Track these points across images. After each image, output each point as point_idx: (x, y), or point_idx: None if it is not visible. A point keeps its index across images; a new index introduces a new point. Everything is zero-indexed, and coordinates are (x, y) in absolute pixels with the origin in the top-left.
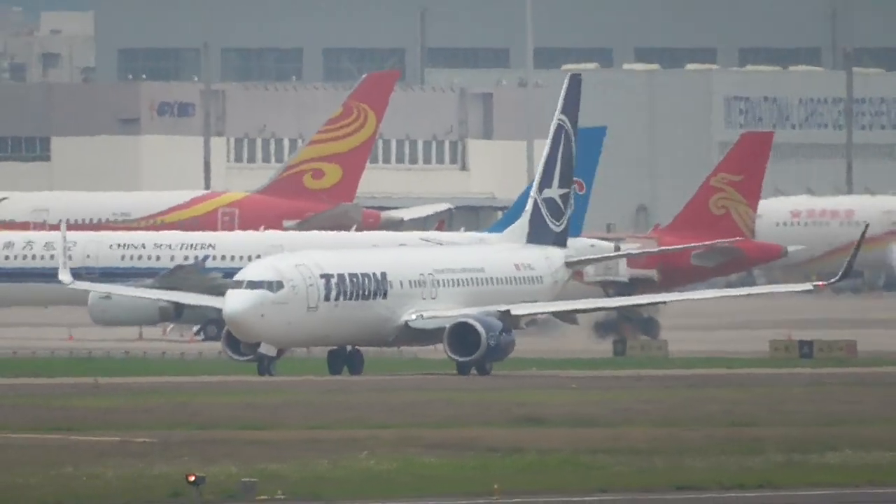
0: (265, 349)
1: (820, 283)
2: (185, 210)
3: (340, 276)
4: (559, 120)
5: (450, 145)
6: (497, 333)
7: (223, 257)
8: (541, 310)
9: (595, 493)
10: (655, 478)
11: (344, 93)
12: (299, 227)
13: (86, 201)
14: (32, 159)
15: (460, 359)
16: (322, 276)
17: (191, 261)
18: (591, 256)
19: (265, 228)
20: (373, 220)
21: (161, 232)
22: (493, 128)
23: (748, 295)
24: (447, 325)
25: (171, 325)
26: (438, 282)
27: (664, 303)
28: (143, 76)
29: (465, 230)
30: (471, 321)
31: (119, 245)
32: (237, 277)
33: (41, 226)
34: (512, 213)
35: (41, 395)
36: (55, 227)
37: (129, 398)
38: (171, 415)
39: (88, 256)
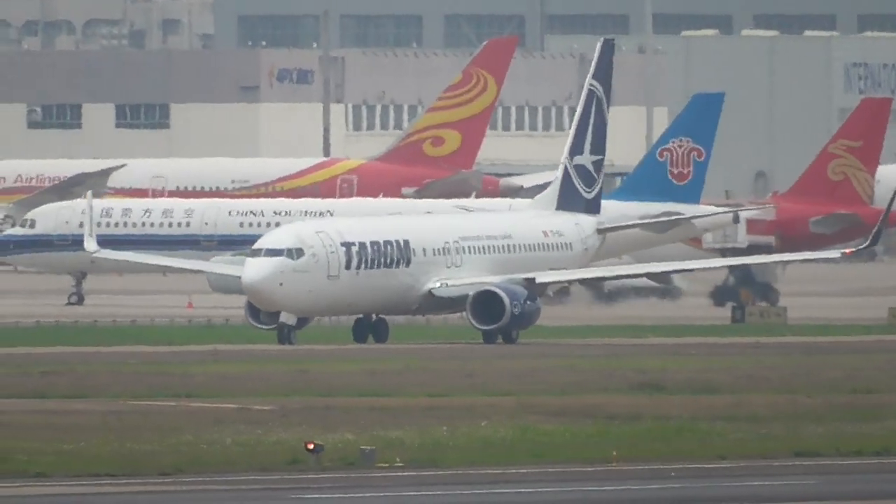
0: (285, 318)
1: (847, 250)
2: (303, 177)
3: (362, 244)
4: (591, 85)
5: (569, 111)
6: (521, 301)
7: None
8: (567, 277)
9: (713, 460)
10: (774, 444)
11: (464, 59)
12: (418, 195)
13: (204, 168)
14: (151, 126)
15: (484, 327)
16: (343, 243)
17: None
18: (625, 223)
19: (384, 196)
20: (492, 187)
21: (280, 199)
22: (611, 94)
23: (780, 262)
24: (471, 293)
25: None
26: (464, 249)
27: (692, 270)
28: (263, 43)
29: None
30: (494, 289)
31: (238, 212)
32: (256, 245)
33: (160, 193)
34: (632, 180)
35: (161, 363)
36: (174, 194)
37: (247, 365)
38: (290, 382)
39: (206, 224)
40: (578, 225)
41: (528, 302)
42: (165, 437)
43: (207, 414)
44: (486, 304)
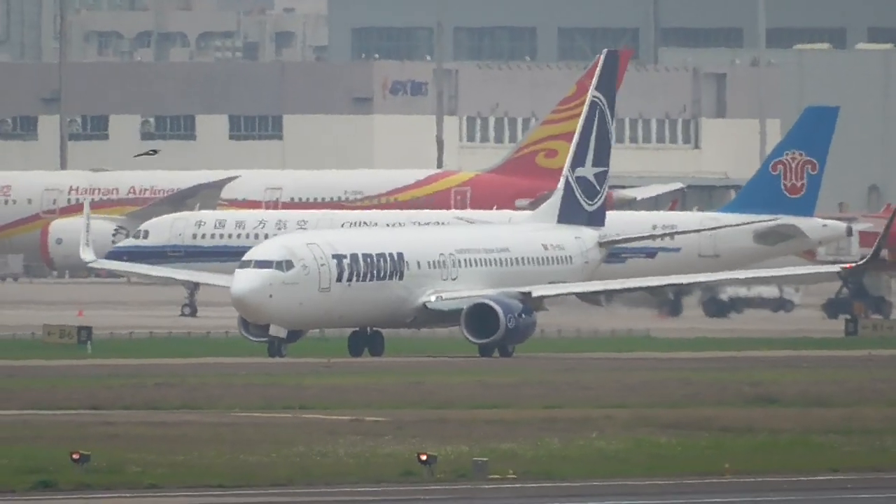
0: (275, 331)
1: (848, 264)
2: (417, 189)
3: (354, 257)
4: (594, 97)
5: (683, 124)
6: (516, 315)
7: None
8: (564, 291)
9: (826, 473)
10: (887, 458)
11: (577, 72)
12: (532, 207)
13: (318, 180)
14: (265, 138)
15: (479, 341)
16: (334, 255)
17: None
18: (626, 236)
19: (497, 208)
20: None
21: (394, 211)
22: (725, 107)
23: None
24: (465, 307)
25: None
26: (459, 262)
27: (688, 284)
28: (376, 55)
29: (698, 210)
30: (489, 302)
31: (352, 224)
32: (245, 257)
33: (273, 204)
34: (745, 193)
35: (274, 374)
36: (287, 206)
37: (361, 377)
38: (404, 394)
39: None
40: (580, 238)
41: (524, 315)
42: (278, 448)
43: (321, 425)
44: (480, 317)
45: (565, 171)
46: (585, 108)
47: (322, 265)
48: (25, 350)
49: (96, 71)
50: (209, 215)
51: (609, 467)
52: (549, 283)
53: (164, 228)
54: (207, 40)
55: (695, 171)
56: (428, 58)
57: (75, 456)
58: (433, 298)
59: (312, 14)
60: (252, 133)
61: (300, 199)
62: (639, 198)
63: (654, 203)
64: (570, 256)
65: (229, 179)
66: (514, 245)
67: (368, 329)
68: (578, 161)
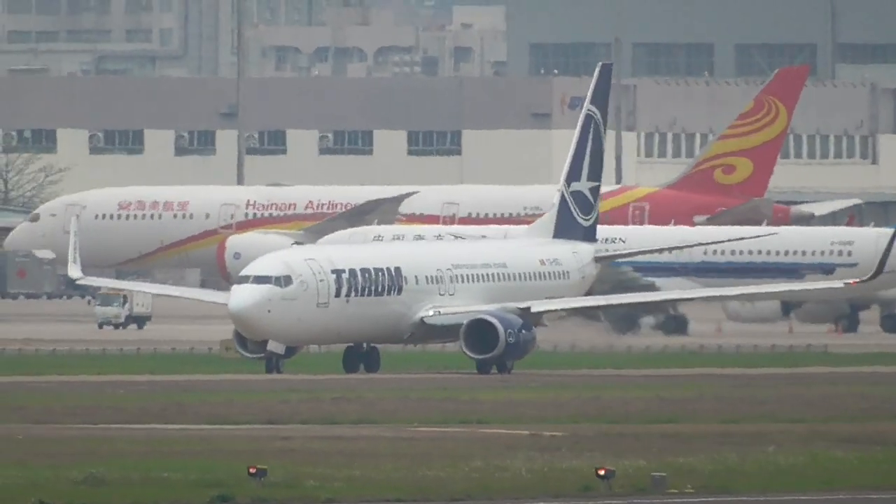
0: (273, 346)
1: (852, 280)
2: None
3: (352, 272)
4: (588, 110)
5: (860, 140)
6: (516, 330)
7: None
8: (562, 306)
9: None
10: None
11: (755, 88)
12: (710, 223)
13: (496, 195)
14: (443, 153)
15: (477, 356)
16: (333, 271)
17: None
18: (623, 251)
19: (675, 223)
20: (782, 215)
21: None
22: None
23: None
24: (464, 322)
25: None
26: (457, 277)
27: (691, 300)
28: (555, 71)
29: (874, 226)
30: (488, 317)
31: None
32: (243, 272)
33: (451, 219)
34: None
35: (450, 388)
36: (465, 221)
37: (539, 392)
38: (582, 408)
39: None
40: (576, 254)
41: (523, 331)
42: (456, 462)
43: (498, 440)
44: (479, 332)
45: (560, 185)
46: (580, 122)
47: (321, 280)
48: (203, 365)
49: (274, 86)
50: (387, 230)
51: (785, 482)
52: (547, 298)
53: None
54: (385, 55)
55: (872, 187)
56: None
57: (252, 470)
58: (431, 313)
59: (490, 29)
60: (430, 148)
61: (477, 214)
62: (816, 213)
63: (831, 219)
64: (567, 272)
65: (408, 195)
66: (512, 260)
67: (364, 345)
68: (573, 175)
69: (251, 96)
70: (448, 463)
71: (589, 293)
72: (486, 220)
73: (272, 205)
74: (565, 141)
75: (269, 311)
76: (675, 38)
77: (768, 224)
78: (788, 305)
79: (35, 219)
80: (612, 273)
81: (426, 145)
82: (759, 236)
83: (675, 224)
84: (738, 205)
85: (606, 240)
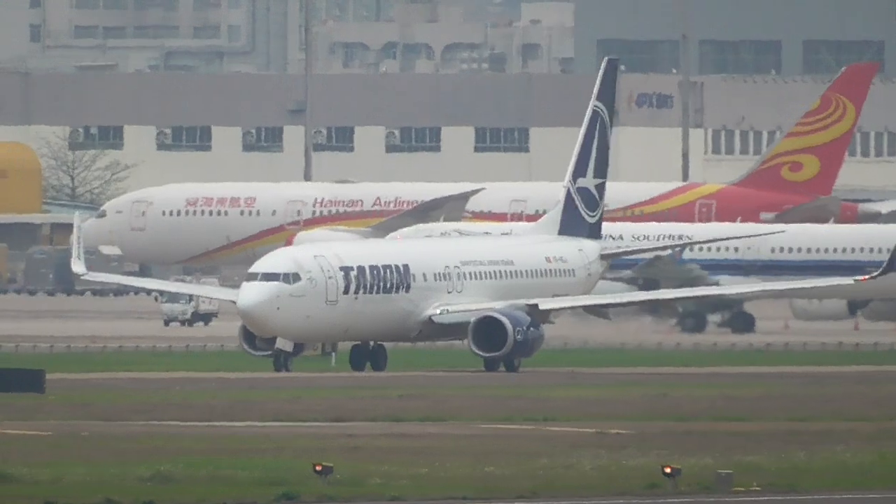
0: (281, 344)
1: (862, 277)
2: (663, 201)
3: (361, 269)
4: (595, 107)
5: None
6: (524, 328)
7: (700, 249)
8: (570, 304)
9: None
10: None
11: (822, 85)
12: (777, 220)
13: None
14: (511, 150)
15: (486, 354)
16: (342, 268)
17: (668, 252)
18: (627, 248)
19: (742, 220)
20: (850, 213)
21: (639, 223)
22: None
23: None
24: (472, 320)
25: (651, 318)
26: (465, 275)
27: (695, 298)
28: (622, 68)
29: None
30: (497, 315)
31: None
32: (252, 269)
33: (518, 216)
34: None
35: (517, 387)
36: (532, 218)
37: (605, 389)
38: (649, 406)
39: None
40: (582, 251)
41: (532, 329)
42: (522, 460)
43: (564, 438)
44: (487, 330)
45: (566, 182)
46: (586, 118)
47: (329, 277)
48: (270, 362)
49: (342, 82)
50: (454, 227)
51: (853, 480)
52: (553, 295)
53: None
54: (453, 52)
55: None
56: (673, 70)
57: (318, 468)
58: (439, 311)
59: (558, 26)
60: (497, 145)
61: (545, 211)
62: (884, 211)
63: None
64: (573, 269)
65: (474, 191)
66: (518, 257)
67: (371, 343)
68: (580, 172)
69: (319, 93)
70: (513, 461)
71: (651, 289)
72: None
73: (339, 201)
74: (632, 138)
75: (278, 309)
76: (743, 36)
77: (836, 222)
78: (855, 303)
79: (102, 215)
80: (678, 270)
81: (493, 142)
82: (764, 234)
83: (742, 221)
84: (806, 202)
85: (672, 237)
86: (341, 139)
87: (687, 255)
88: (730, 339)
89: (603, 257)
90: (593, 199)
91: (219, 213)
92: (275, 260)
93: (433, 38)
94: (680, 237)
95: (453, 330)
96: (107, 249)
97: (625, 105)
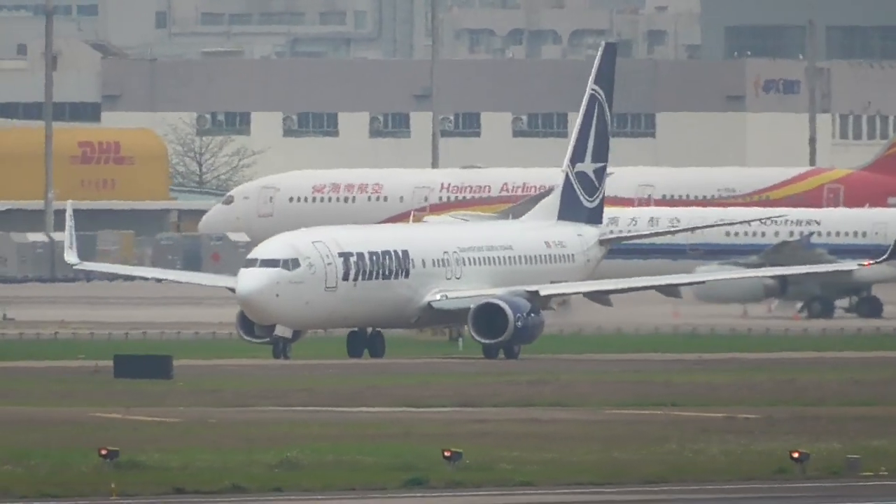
0: (280, 331)
1: (866, 262)
2: (790, 186)
3: (360, 255)
4: (592, 90)
5: None
6: (525, 314)
7: (828, 234)
8: (571, 290)
9: None
10: None
11: None
12: None
13: (690, 177)
14: (638, 135)
15: (486, 341)
16: (341, 254)
17: (796, 237)
18: (627, 234)
19: (870, 205)
20: None
21: (766, 208)
22: None
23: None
24: (472, 306)
25: (777, 302)
26: (464, 260)
27: (701, 282)
28: (748, 53)
29: None
30: (497, 301)
31: (724, 222)
32: (251, 255)
33: (646, 201)
34: None
35: (645, 371)
36: (659, 203)
37: (734, 374)
38: (777, 391)
39: (693, 233)
40: (581, 236)
41: (532, 315)
42: (650, 445)
43: (693, 422)
44: (487, 317)
45: (564, 166)
46: (584, 102)
47: (328, 263)
48: (398, 348)
49: (468, 68)
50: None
51: None
52: (552, 281)
53: None
54: (579, 38)
55: None
56: (800, 56)
57: (447, 453)
58: (438, 297)
59: (685, 13)
60: (624, 130)
61: (672, 196)
62: None
63: None
64: (573, 254)
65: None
66: (517, 243)
67: (369, 329)
68: (578, 156)
69: (445, 79)
70: (642, 446)
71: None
72: (680, 202)
73: (466, 187)
74: (759, 123)
75: (277, 295)
76: (870, 21)
77: None
78: None
79: (229, 201)
80: (806, 255)
81: (620, 128)
82: (767, 218)
83: (870, 206)
84: None
85: (800, 222)
86: (468, 125)
87: (815, 239)
88: (857, 323)
89: (602, 242)
90: (592, 184)
91: (346, 199)
92: (274, 246)
93: (559, 24)
94: (808, 222)
95: (453, 316)
96: (234, 236)
97: (752, 91)
